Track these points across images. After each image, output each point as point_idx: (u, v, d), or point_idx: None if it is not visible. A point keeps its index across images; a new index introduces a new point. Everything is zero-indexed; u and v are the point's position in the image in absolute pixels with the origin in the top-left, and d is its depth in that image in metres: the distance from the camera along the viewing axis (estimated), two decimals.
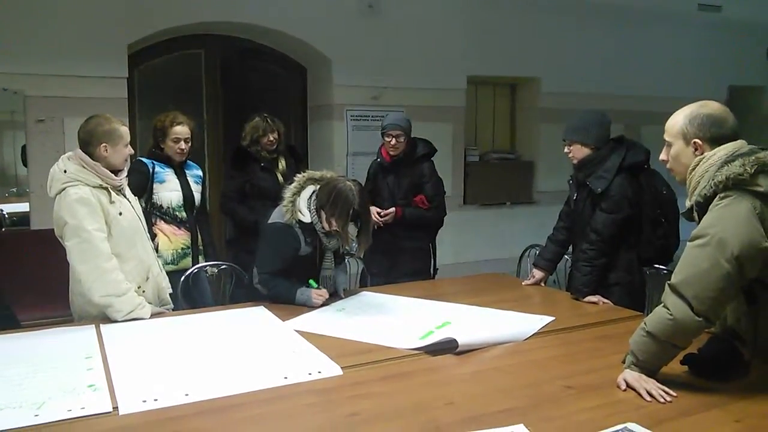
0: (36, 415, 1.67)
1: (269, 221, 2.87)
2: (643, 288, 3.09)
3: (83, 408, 1.72)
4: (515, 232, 6.50)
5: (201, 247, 3.60)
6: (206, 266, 3.44)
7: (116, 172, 2.68)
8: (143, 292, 2.71)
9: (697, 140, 1.88)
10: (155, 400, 1.77)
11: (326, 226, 2.74)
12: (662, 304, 1.83)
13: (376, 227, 3.54)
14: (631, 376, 1.86)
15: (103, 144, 2.62)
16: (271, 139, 3.93)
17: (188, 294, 3.31)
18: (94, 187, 2.58)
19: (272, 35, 5.73)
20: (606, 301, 2.90)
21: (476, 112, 7.09)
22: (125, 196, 2.76)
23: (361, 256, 3.23)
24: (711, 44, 7.82)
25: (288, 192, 2.83)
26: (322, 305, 2.77)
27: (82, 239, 2.52)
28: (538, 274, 3.28)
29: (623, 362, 1.93)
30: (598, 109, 3.20)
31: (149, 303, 2.69)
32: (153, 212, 3.43)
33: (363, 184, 4.00)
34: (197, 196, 3.60)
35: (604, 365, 2.05)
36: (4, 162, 5.07)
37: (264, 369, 2.02)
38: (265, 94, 5.90)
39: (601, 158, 3.00)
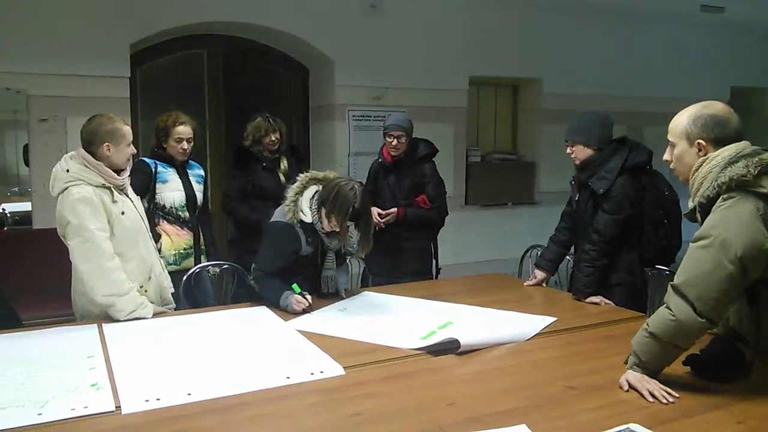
0: (39, 414, 1.67)
1: (271, 220, 2.87)
2: (644, 289, 3.09)
3: (86, 407, 1.72)
4: (517, 232, 6.51)
5: (203, 247, 3.60)
6: (208, 266, 3.45)
7: (119, 171, 2.68)
8: (145, 291, 2.71)
9: (700, 141, 1.88)
10: (158, 399, 1.78)
11: (326, 223, 2.74)
12: (665, 305, 1.83)
13: (377, 228, 3.54)
14: (634, 376, 1.86)
15: (106, 143, 2.62)
16: (273, 139, 3.93)
17: (190, 294, 3.31)
18: (96, 186, 2.58)
19: (274, 35, 5.74)
20: (608, 301, 2.90)
21: (478, 113, 7.09)
22: (128, 196, 2.76)
23: (362, 257, 3.23)
24: (713, 45, 7.82)
25: (290, 192, 2.83)
26: (323, 305, 2.77)
27: (84, 239, 2.52)
28: (539, 274, 3.28)
29: (625, 363, 1.93)
30: (600, 110, 3.19)
31: (151, 302, 2.69)
32: (156, 212, 3.43)
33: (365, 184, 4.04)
34: (199, 196, 3.61)
35: (606, 366, 2.05)
36: (7, 161, 5.08)
37: (266, 369, 2.02)
38: (267, 94, 5.91)
39: (603, 159, 3.00)
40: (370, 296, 3.02)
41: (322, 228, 2.77)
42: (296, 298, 2.67)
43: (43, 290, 3.94)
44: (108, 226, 2.59)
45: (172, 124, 3.45)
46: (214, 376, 1.95)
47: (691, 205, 1.91)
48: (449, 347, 2.20)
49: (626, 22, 7.16)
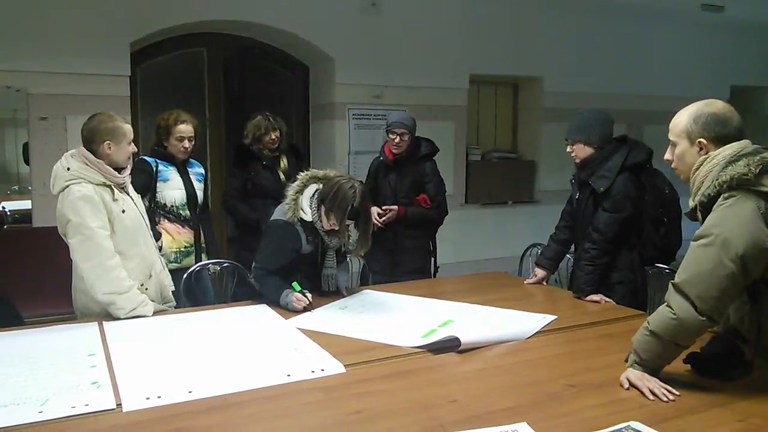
0: (40, 412, 1.67)
1: (271, 219, 2.87)
2: (645, 287, 3.09)
3: (87, 405, 1.72)
4: (517, 231, 6.51)
5: (204, 245, 3.61)
6: (209, 264, 3.45)
7: (119, 169, 2.69)
8: (146, 289, 2.71)
9: (702, 139, 1.88)
10: (159, 397, 1.78)
11: (325, 222, 2.74)
12: (665, 304, 1.83)
13: (375, 229, 3.54)
14: (634, 374, 1.86)
15: (107, 142, 2.62)
16: (273, 137, 3.93)
17: (191, 292, 3.31)
18: (97, 184, 2.58)
19: (275, 34, 5.73)
20: (608, 300, 2.90)
21: (478, 111, 7.09)
22: (128, 194, 2.76)
23: (362, 255, 3.23)
24: (714, 44, 7.82)
25: (291, 190, 2.83)
26: (324, 303, 2.77)
27: (85, 237, 2.52)
28: (540, 273, 3.28)
29: (626, 361, 1.93)
30: (600, 109, 3.19)
31: (152, 301, 2.69)
32: (156, 211, 3.43)
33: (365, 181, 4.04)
34: (200, 194, 3.61)
35: (606, 364, 2.06)
36: (6, 160, 5.07)
37: (267, 367, 2.03)
38: (267, 92, 5.91)
39: (603, 158, 3.00)
40: (370, 294, 3.02)
41: (323, 226, 2.77)
42: (296, 296, 2.67)
43: (43, 288, 3.93)
44: (108, 224, 2.59)
45: (173, 122, 3.45)
46: (214, 374, 1.95)
47: (691, 204, 1.91)
48: (450, 345, 2.20)
49: (626, 20, 7.16)
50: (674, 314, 1.78)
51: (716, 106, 1.91)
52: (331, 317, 2.62)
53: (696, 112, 1.90)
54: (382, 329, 2.43)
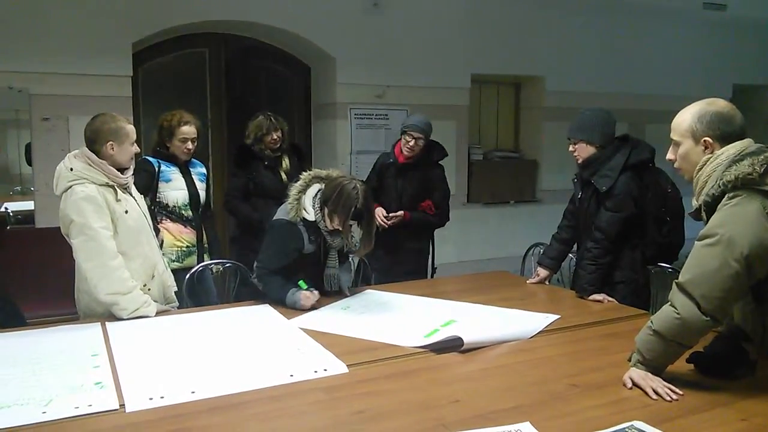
0: (43, 413, 1.68)
1: (274, 218, 2.87)
2: (647, 286, 3.09)
3: (90, 405, 1.72)
4: (519, 230, 6.50)
5: (206, 245, 3.61)
6: (211, 264, 3.45)
7: (122, 170, 2.69)
8: (149, 290, 2.71)
9: (707, 138, 1.87)
10: (162, 397, 1.78)
11: (328, 222, 2.74)
12: (669, 303, 1.83)
13: (380, 230, 3.54)
14: (637, 374, 1.86)
15: (110, 142, 2.62)
16: (275, 137, 3.93)
17: (193, 292, 3.32)
18: (100, 185, 2.58)
19: (276, 34, 5.74)
20: (611, 299, 2.90)
21: (480, 111, 7.09)
22: (131, 194, 2.76)
23: (363, 255, 3.23)
24: (716, 43, 7.81)
25: (293, 190, 2.83)
26: (326, 303, 2.77)
27: (88, 237, 2.52)
28: (542, 272, 3.28)
29: (629, 360, 1.93)
30: (602, 108, 3.19)
31: (155, 301, 2.69)
32: (159, 211, 3.43)
33: (367, 178, 4.03)
34: (202, 194, 3.61)
35: (609, 363, 2.05)
36: (9, 160, 5.08)
37: (270, 367, 2.03)
38: (268, 92, 5.91)
39: (605, 157, 3.00)
40: (373, 294, 3.02)
41: (326, 226, 2.77)
42: (305, 294, 2.68)
43: (46, 289, 3.94)
44: (111, 224, 2.59)
45: (177, 124, 3.45)
46: (217, 375, 1.95)
47: (695, 203, 1.90)
48: (452, 345, 2.20)
49: (628, 19, 7.16)
50: (678, 314, 1.78)
51: (719, 104, 1.90)
52: (333, 317, 2.62)
53: (700, 111, 1.90)
54: (384, 329, 2.43)
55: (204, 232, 3.60)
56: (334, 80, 5.86)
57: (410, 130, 3.80)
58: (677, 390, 1.79)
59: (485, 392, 1.88)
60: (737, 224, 1.72)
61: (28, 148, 4.80)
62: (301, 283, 2.75)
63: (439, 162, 4.00)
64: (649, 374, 1.84)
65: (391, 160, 3.95)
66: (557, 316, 2.59)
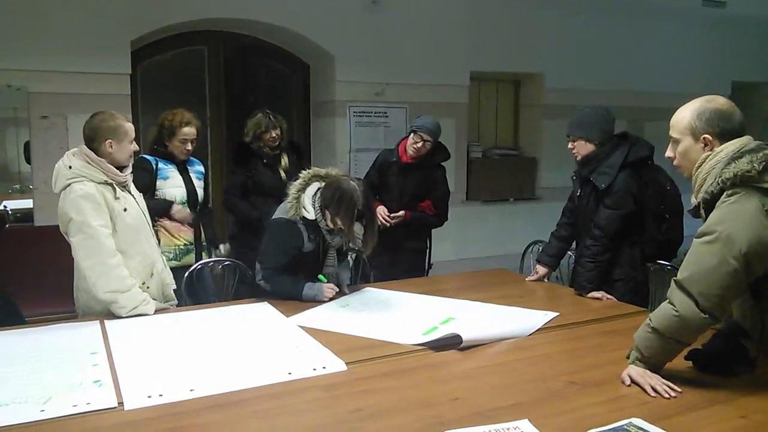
0: (42, 411, 1.68)
1: (273, 217, 2.87)
2: (646, 283, 3.09)
3: (89, 403, 1.72)
4: (518, 228, 6.50)
5: (204, 243, 3.61)
6: (210, 262, 3.45)
7: (121, 168, 2.68)
8: (147, 288, 2.71)
9: (706, 135, 1.87)
10: (160, 395, 1.78)
11: (331, 225, 2.74)
12: (668, 301, 1.83)
13: (381, 228, 3.54)
14: (636, 371, 1.86)
15: (108, 140, 2.62)
16: (274, 135, 3.93)
17: (192, 290, 3.32)
18: (98, 183, 2.58)
19: (275, 32, 5.73)
20: (609, 296, 2.90)
21: (479, 109, 7.08)
22: (130, 192, 2.76)
23: (369, 254, 3.23)
24: (715, 40, 7.80)
25: (293, 188, 2.83)
26: (325, 302, 2.77)
27: (86, 235, 2.52)
28: (541, 270, 3.28)
29: (627, 358, 1.93)
30: (601, 105, 3.19)
31: (153, 299, 2.69)
32: None
33: (367, 173, 4.03)
34: (200, 192, 3.61)
35: (608, 361, 2.06)
36: (8, 158, 5.08)
37: (268, 364, 2.03)
38: (267, 90, 5.90)
39: (604, 154, 3.00)
40: (371, 292, 3.02)
41: (326, 225, 2.77)
42: (327, 286, 2.78)
43: (45, 287, 3.94)
44: (110, 222, 2.59)
45: (178, 124, 3.44)
46: (216, 372, 1.95)
47: (694, 201, 1.90)
48: (451, 343, 2.20)
49: (627, 17, 7.14)
50: (676, 311, 1.78)
51: (718, 101, 1.90)
52: (332, 315, 2.62)
53: (699, 108, 1.90)
54: (383, 327, 2.43)
55: (202, 229, 3.60)
56: (334, 78, 5.85)
57: (421, 132, 3.80)
58: (676, 387, 1.79)
59: (484, 390, 1.88)
60: (736, 222, 1.72)
61: (27, 147, 4.80)
62: (321, 277, 2.82)
63: (441, 163, 4.00)
64: (648, 371, 1.84)
65: (394, 159, 3.95)
66: (556, 314, 2.59)
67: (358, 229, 2.76)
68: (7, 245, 4.57)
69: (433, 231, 4.16)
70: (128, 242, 2.65)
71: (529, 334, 2.37)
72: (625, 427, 1.59)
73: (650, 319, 1.86)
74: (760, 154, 1.74)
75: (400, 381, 1.94)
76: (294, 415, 1.72)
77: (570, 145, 3.11)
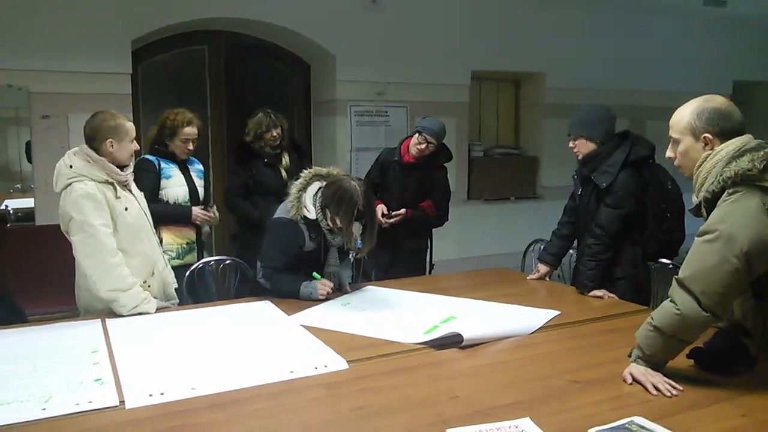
0: (43, 409, 1.68)
1: (274, 216, 2.87)
2: (648, 282, 3.09)
3: (90, 402, 1.72)
4: (519, 227, 6.50)
5: (205, 241, 3.61)
6: (211, 261, 3.45)
7: (122, 167, 2.69)
8: (149, 286, 2.71)
9: (706, 135, 1.86)
10: (162, 394, 1.78)
11: (331, 224, 2.74)
12: (669, 299, 1.83)
13: (381, 227, 3.53)
14: (638, 370, 1.86)
15: (109, 140, 2.62)
16: (275, 134, 3.93)
17: (193, 289, 3.32)
18: (99, 182, 2.58)
19: (276, 31, 5.73)
20: (611, 295, 2.90)
21: (480, 108, 7.09)
22: (131, 192, 2.76)
23: (365, 256, 3.23)
24: (716, 39, 7.80)
25: (294, 188, 2.83)
26: (327, 299, 2.77)
27: (87, 234, 2.52)
28: (542, 268, 3.28)
29: (629, 356, 1.93)
30: (602, 104, 3.18)
31: (155, 298, 2.69)
32: None
33: (368, 172, 4.03)
34: (201, 191, 3.61)
35: (609, 359, 2.05)
36: (9, 158, 5.08)
37: (270, 363, 2.03)
38: (268, 89, 5.91)
39: (605, 153, 2.99)
40: (373, 291, 3.02)
41: (327, 224, 2.77)
42: (320, 283, 2.76)
43: (46, 286, 3.94)
44: (111, 221, 2.59)
45: (180, 124, 3.44)
46: (217, 371, 1.95)
47: (695, 200, 1.90)
48: (452, 341, 2.20)
49: (628, 15, 7.14)
50: (678, 310, 1.78)
51: (717, 101, 1.90)
52: (333, 314, 2.62)
53: (698, 107, 1.90)
54: (384, 325, 2.43)
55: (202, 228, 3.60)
56: (334, 77, 5.85)
57: (426, 133, 3.80)
58: (677, 385, 1.79)
59: (485, 388, 1.88)
60: (737, 220, 1.72)
61: (28, 146, 4.81)
62: (315, 274, 2.81)
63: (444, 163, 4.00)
64: (650, 370, 1.84)
65: (396, 158, 3.95)
66: (557, 312, 2.59)
67: (357, 229, 2.76)
68: (9, 245, 4.58)
69: (434, 230, 4.17)
70: (129, 241, 2.65)
71: (531, 333, 2.37)
72: (627, 425, 1.59)
73: (652, 318, 1.86)
74: (761, 153, 1.73)
75: (402, 379, 1.94)
76: (295, 414, 1.72)
77: (571, 144, 3.10)
